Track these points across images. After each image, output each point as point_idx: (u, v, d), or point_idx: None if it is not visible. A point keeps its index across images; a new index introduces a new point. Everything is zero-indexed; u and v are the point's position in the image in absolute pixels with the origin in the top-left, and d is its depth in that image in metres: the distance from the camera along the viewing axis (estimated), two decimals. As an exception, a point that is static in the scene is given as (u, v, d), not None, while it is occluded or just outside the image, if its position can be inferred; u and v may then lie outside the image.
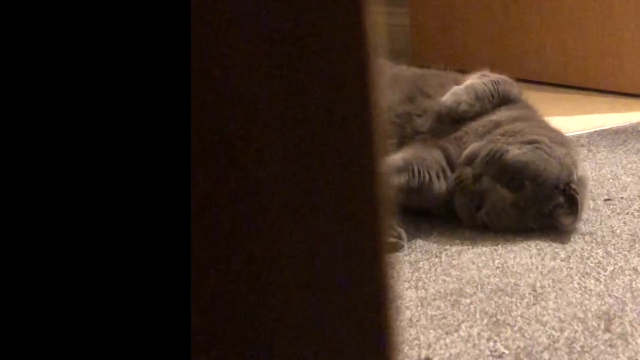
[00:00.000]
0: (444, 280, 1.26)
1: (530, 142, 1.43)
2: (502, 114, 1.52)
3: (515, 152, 1.40)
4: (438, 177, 1.45)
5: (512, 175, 1.39)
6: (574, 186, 1.40)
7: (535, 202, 1.39)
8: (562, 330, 1.08)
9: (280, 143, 0.45)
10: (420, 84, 1.58)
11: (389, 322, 0.47)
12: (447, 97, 1.51)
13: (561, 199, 1.39)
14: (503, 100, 1.54)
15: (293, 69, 0.44)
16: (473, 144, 1.45)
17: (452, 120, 1.51)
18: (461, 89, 1.52)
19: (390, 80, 1.59)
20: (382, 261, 0.47)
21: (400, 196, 1.40)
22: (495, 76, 1.57)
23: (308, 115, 0.45)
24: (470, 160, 1.42)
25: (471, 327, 1.10)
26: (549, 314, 1.13)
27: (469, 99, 1.50)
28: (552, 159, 1.41)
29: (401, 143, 1.53)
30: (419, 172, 1.41)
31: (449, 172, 1.46)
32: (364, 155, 0.45)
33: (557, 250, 1.35)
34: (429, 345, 1.06)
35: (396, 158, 1.40)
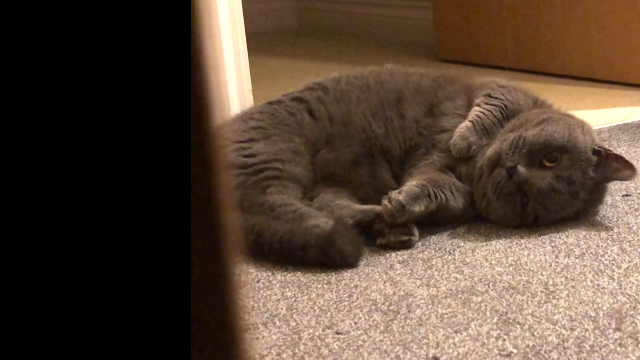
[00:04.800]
0: (456, 278, 1.25)
1: (540, 122, 1.44)
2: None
3: (534, 131, 1.41)
4: (452, 193, 1.45)
5: (543, 152, 1.39)
6: (604, 146, 1.43)
7: (575, 169, 1.39)
8: (572, 329, 1.07)
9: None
10: (435, 100, 1.58)
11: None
12: (456, 140, 1.49)
13: (595, 159, 1.41)
14: (512, 117, 1.53)
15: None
16: (485, 151, 1.45)
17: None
18: (469, 128, 1.50)
19: (413, 92, 1.60)
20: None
21: (422, 219, 1.40)
22: (501, 94, 1.55)
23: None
24: (495, 162, 1.41)
25: (481, 325, 1.10)
26: (559, 313, 1.12)
27: (477, 139, 1.49)
28: (571, 126, 1.43)
29: (426, 153, 1.53)
30: (435, 195, 1.40)
31: (460, 186, 1.47)
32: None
33: (571, 247, 1.34)
34: (438, 344, 1.05)
35: (412, 186, 1.39)
